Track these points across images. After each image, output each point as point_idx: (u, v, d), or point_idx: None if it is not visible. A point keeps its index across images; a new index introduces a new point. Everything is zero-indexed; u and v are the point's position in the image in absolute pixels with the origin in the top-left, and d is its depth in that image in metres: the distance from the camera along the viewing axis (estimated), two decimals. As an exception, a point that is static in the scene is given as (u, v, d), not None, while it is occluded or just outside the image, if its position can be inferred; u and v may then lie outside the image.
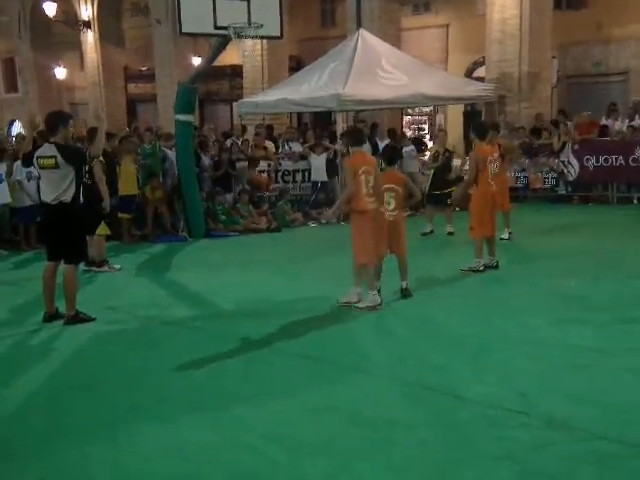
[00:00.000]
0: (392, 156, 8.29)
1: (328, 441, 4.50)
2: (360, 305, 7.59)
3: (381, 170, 8.10)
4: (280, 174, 15.60)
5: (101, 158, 9.55)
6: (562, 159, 16.01)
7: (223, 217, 13.78)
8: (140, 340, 6.89)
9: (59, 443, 4.66)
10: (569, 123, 16.30)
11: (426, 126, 23.33)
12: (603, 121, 16.59)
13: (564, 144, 15.98)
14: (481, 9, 19.22)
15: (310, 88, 15.69)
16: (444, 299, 8.02)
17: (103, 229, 9.96)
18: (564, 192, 16.24)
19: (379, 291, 7.87)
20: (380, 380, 5.55)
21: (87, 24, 27.65)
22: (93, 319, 7.47)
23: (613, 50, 19.87)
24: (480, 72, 20.69)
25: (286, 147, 16.43)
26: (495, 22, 18.20)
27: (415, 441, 4.43)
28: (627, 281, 8.44)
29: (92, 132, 9.98)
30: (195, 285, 9.21)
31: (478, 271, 9.12)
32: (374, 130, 16.86)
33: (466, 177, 9.64)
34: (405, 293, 8.05)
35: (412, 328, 7.01)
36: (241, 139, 16.62)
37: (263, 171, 15.32)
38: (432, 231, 12.44)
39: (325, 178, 15.33)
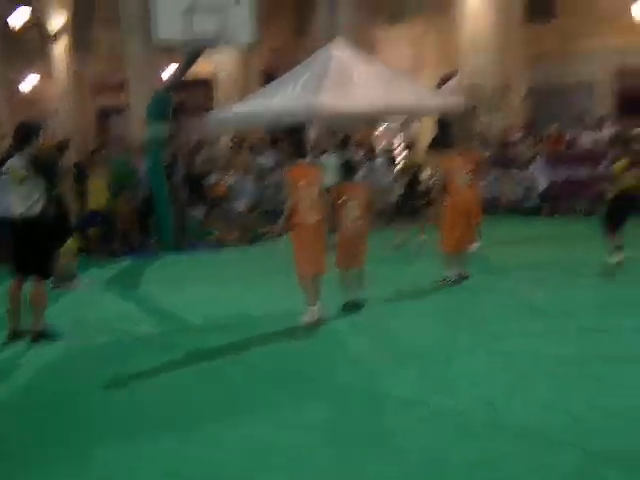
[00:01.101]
0: (350, 169, 8.31)
1: (306, 457, 4.48)
2: (304, 320, 7.45)
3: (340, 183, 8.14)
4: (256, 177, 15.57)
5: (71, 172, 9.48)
6: (532, 171, 16.17)
7: (194, 230, 13.72)
8: (109, 356, 6.83)
9: (20, 468, 4.58)
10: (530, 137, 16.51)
11: (399, 137, 23.41)
12: (571, 134, 16.78)
13: (534, 155, 16.14)
14: (453, 21, 19.39)
15: (283, 99, 15.69)
16: (413, 310, 8.06)
17: (72, 243, 9.87)
18: (533, 204, 16.38)
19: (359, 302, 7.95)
20: (351, 394, 5.54)
21: (57, 34, 27.47)
22: (62, 334, 7.38)
23: (581, 62, 20.12)
24: (453, 83, 20.82)
25: (259, 159, 16.42)
26: (466, 35, 18.41)
27: (387, 454, 4.43)
28: (593, 290, 8.56)
29: (63, 144, 9.93)
30: (165, 300, 9.16)
31: (448, 282, 9.16)
32: (347, 142, 16.90)
33: (435, 191, 9.70)
34: (357, 304, 8.00)
35: (381, 339, 7.02)
36: (215, 151, 16.59)
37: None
38: (404, 243, 12.48)
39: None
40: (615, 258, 9.96)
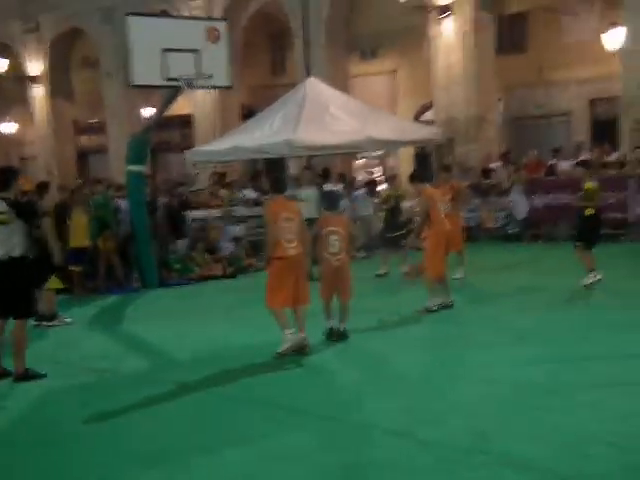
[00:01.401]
0: (333, 200, 8.38)
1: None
2: (280, 351, 7.40)
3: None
4: (235, 220, 15.59)
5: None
6: (511, 199, 16.32)
7: (177, 266, 13.69)
8: (94, 396, 6.73)
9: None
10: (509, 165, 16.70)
11: (378, 169, 23.60)
12: (550, 161, 17.00)
13: (513, 183, 16.31)
14: (427, 55, 19.68)
15: (262, 135, 15.77)
16: (398, 340, 8.04)
17: (55, 283, 9.79)
18: (515, 230, 16.52)
19: (343, 332, 7.95)
20: (337, 425, 5.50)
21: (36, 79, 27.59)
22: (44, 375, 7.29)
23: (555, 92, 20.45)
24: (429, 115, 21.10)
25: (240, 194, 16.47)
26: (440, 68, 18.68)
27: (375, 486, 4.40)
28: (578, 316, 8.58)
29: (42, 186, 9.92)
30: (149, 336, 9.09)
31: (433, 311, 9.18)
32: (326, 175, 17.01)
33: (417, 222, 9.75)
34: (342, 335, 7.99)
35: (366, 370, 7.01)
36: (195, 188, 16.63)
37: (218, 218, 15.32)
38: (387, 273, 12.53)
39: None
40: (589, 279, 10.09)
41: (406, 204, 12.97)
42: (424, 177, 9.59)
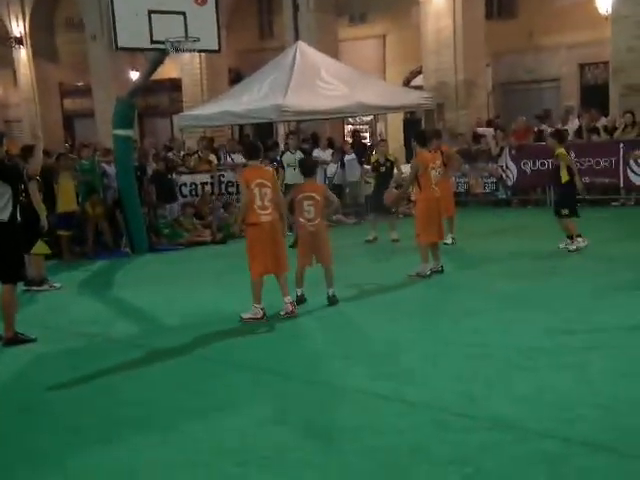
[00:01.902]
0: (308, 167, 8.36)
1: (279, 453, 4.46)
2: (244, 316, 7.56)
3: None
4: (224, 185, 15.51)
5: (37, 177, 9.36)
6: (500, 164, 16.32)
7: (166, 231, 13.64)
8: (84, 360, 6.72)
9: (2, 469, 4.52)
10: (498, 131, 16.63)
11: (367, 134, 23.52)
12: (541, 126, 16.95)
13: (502, 149, 16.30)
14: (416, 20, 19.52)
15: (250, 100, 15.69)
16: (389, 305, 8.07)
17: (42, 248, 9.71)
18: (504, 196, 16.56)
19: (303, 299, 8.04)
20: (328, 389, 5.53)
21: (19, 40, 27.17)
22: (34, 339, 7.28)
23: (544, 58, 20.37)
24: (418, 81, 21.00)
25: (228, 159, 16.37)
26: (430, 32, 18.54)
27: (366, 449, 4.42)
28: (564, 282, 8.62)
29: (27, 150, 9.80)
30: (138, 301, 9.08)
31: (425, 276, 9.19)
32: (315, 141, 16.94)
33: (405, 181, 9.75)
34: (331, 301, 8.06)
35: (356, 335, 7.03)
36: (182, 152, 16.49)
37: (206, 183, 15.22)
38: (376, 238, 12.53)
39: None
40: (574, 245, 10.20)
41: (396, 169, 12.89)
42: (424, 140, 9.54)
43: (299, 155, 13.44)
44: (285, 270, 7.69)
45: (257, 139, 18.60)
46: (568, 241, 10.44)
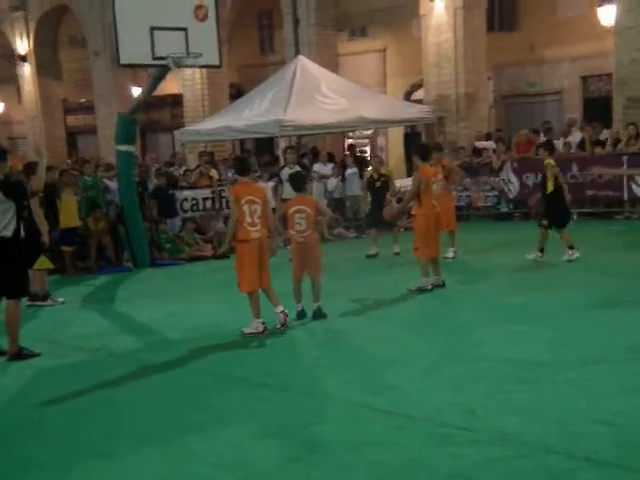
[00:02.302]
0: (297, 182, 8.41)
1: (280, 467, 4.46)
2: (245, 330, 7.62)
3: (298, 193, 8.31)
4: (224, 200, 15.53)
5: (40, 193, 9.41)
6: (502, 177, 16.34)
7: (168, 245, 13.67)
8: (87, 374, 6.73)
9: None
10: (499, 144, 16.65)
11: (367, 148, 23.59)
12: (541, 139, 16.98)
13: (503, 162, 16.32)
14: (417, 33, 19.60)
15: (251, 115, 15.76)
16: (387, 319, 8.07)
17: (45, 263, 9.74)
18: (506, 210, 16.56)
19: (303, 312, 8.06)
20: (330, 403, 5.53)
21: (23, 58, 27.35)
22: (38, 354, 7.30)
23: (546, 70, 20.43)
24: (419, 94, 21.04)
25: (229, 174, 16.40)
26: (431, 46, 18.59)
27: (367, 462, 4.42)
28: (567, 295, 8.59)
29: (30, 166, 9.86)
30: (141, 315, 9.10)
31: (425, 290, 9.19)
32: (315, 155, 17.00)
33: (405, 196, 9.76)
34: (316, 315, 8.08)
35: (356, 349, 7.02)
36: (184, 168, 16.55)
37: (207, 198, 15.24)
38: (377, 253, 12.51)
39: (273, 204, 15.14)
40: (565, 256, 10.45)
41: (396, 183, 12.92)
42: (425, 155, 9.55)
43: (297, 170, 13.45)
44: (268, 286, 7.73)
45: (255, 155, 18.74)
46: (569, 252, 10.52)
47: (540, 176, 10.96)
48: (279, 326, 7.64)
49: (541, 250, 10.67)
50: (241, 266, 7.62)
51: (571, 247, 10.55)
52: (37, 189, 8.75)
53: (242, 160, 8.73)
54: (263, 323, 7.61)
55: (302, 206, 8.01)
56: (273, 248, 7.91)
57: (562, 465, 4.23)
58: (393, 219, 11.10)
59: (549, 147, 11.24)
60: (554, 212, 10.60)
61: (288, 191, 13.11)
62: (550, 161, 10.60)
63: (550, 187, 10.51)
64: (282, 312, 7.66)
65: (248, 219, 7.53)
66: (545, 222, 10.59)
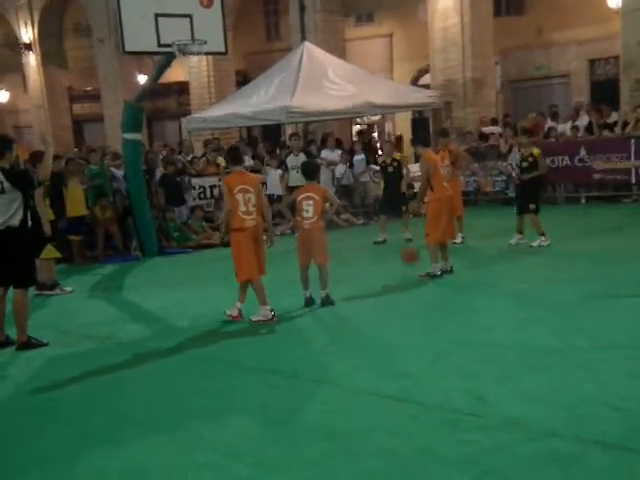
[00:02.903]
0: (309, 171, 8.39)
1: (290, 455, 4.45)
2: (253, 318, 7.65)
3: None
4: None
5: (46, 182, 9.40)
6: (510, 162, 16.24)
7: (176, 234, 13.66)
8: (94, 363, 6.73)
9: (15, 471, 4.54)
10: (507, 129, 16.54)
11: (375, 134, 23.51)
12: (548, 123, 16.90)
13: (511, 147, 16.21)
14: (423, 18, 19.47)
15: (258, 101, 15.71)
16: (399, 305, 8.04)
17: (52, 252, 9.74)
18: (514, 194, 16.44)
19: (312, 299, 8.07)
20: (339, 390, 5.52)
21: (28, 46, 27.32)
22: (46, 344, 7.31)
23: (554, 54, 20.31)
24: (426, 79, 20.96)
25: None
26: (437, 30, 18.48)
27: (377, 450, 4.41)
28: (577, 281, 8.55)
29: (36, 155, 9.85)
30: (149, 304, 9.10)
31: (435, 276, 9.16)
32: (324, 141, 16.93)
33: (419, 186, 9.70)
34: (324, 302, 8.09)
35: (365, 335, 7.00)
36: (191, 155, 16.52)
37: (214, 186, 15.22)
38: (385, 240, 12.48)
39: (280, 191, 15.13)
40: (537, 241, 10.74)
41: (406, 169, 12.86)
42: (425, 141, 9.53)
43: (302, 157, 13.42)
44: (263, 273, 7.79)
45: (263, 142, 18.68)
46: (542, 238, 10.83)
47: (522, 162, 11.06)
48: (260, 318, 7.61)
49: (543, 234, 10.82)
50: (238, 255, 7.67)
51: (542, 234, 10.82)
52: (44, 178, 8.75)
53: (234, 150, 8.74)
54: (272, 310, 7.62)
55: (311, 193, 8.02)
56: (271, 238, 7.94)
57: (570, 449, 4.23)
58: (417, 212, 11.22)
59: (530, 132, 11.52)
60: (538, 197, 10.96)
61: (294, 179, 13.11)
62: (538, 151, 10.90)
63: (538, 174, 10.82)
64: (271, 310, 7.66)
65: (242, 208, 7.57)
66: (533, 206, 10.80)
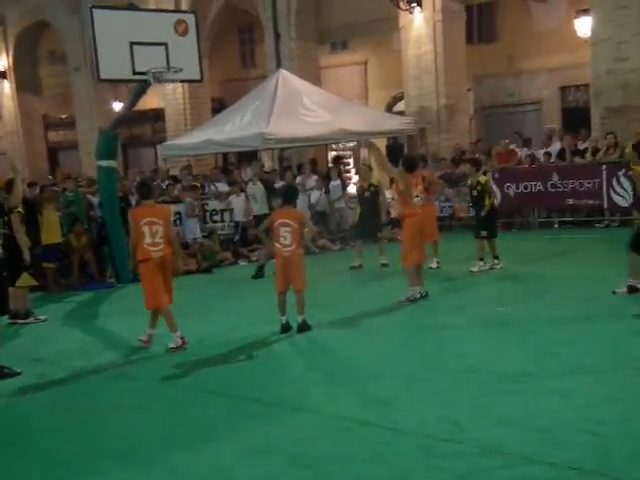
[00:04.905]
0: (287, 194, 8.47)
1: (266, 483, 4.43)
2: (170, 346, 7.75)
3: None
4: (208, 214, 15.51)
5: (19, 209, 9.35)
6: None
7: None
8: (67, 392, 6.68)
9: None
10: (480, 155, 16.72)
11: (351, 160, 23.64)
12: (521, 149, 17.07)
13: (484, 173, 16.35)
14: (397, 46, 19.71)
15: (233, 128, 15.74)
16: (373, 330, 8.06)
17: (27, 280, 9.66)
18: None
19: (288, 325, 8.07)
20: (314, 417, 5.51)
21: (3, 74, 27.24)
22: (19, 373, 7.22)
23: (525, 81, 20.62)
24: (401, 106, 21.16)
25: (212, 187, 16.39)
26: (411, 58, 18.72)
27: (354, 477, 4.40)
28: (550, 305, 8.62)
29: (10, 183, 9.80)
30: (124, 332, 9.02)
31: (415, 299, 9.19)
32: (300, 168, 17.00)
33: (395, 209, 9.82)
34: (301, 328, 8.08)
35: (340, 362, 7.00)
36: (166, 182, 16.50)
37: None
38: (361, 265, 12.51)
39: (243, 218, 15.03)
40: (476, 266, 11.04)
41: (381, 195, 12.91)
42: (411, 166, 9.67)
43: (260, 186, 13.23)
44: (171, 302, 7.95)
45: (238, 168, 18.66)
46: (495, 261, 11.23)
47: (472, 190, 11.42)
48: (173, 346, 7.72)
49: (482, 259, 11.15)
50: (146, 284, 7.85)
51: (496, 257, 11.20)
52: (14, 206, 8.73)
53: (144, 185, 8.96)
54: (182, 337, 7.77)
55: (288, 220, 8.03)
56: (178, 266, 8.30)
57: (546, 474, 4.24)
58: (393, 237, 11.39)
59: (476, 163, 11.84)
60: (492, 223, 11.27)
61: (257, 207, 13.05)
62: (486, 178, 11.44)
63: (487, 201, 11.11)
64: (181, 337, 7.78)
65: (148, 239, 7.75)
66: (485, 233, 11.12)
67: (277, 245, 8.08)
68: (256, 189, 13.19)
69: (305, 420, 5.47)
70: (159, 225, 7.78)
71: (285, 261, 8.03)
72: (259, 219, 11.99)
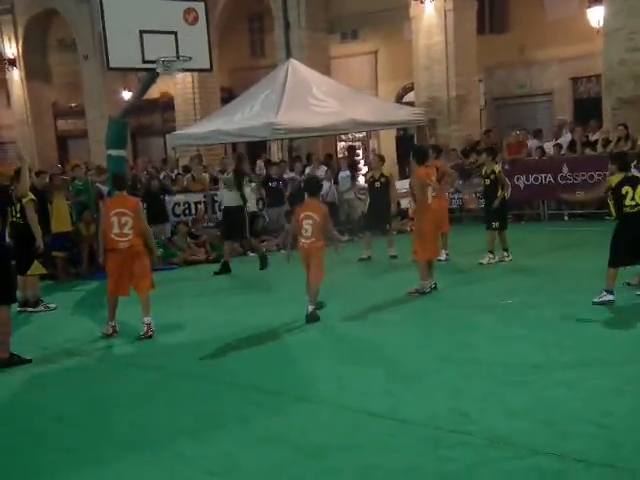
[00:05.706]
0: (311, 187, 8.60)
1: (273, 474, 4.43)
2: (103, 331, 8.10)
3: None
4: (217, 205, 15.50)
5: (32, 197, 9.36)
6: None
7: (160, 250, 13.58)
8: (77, 380, 6.71)
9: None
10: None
11: (360, 151, 23.59)
12: (532, 140, 17.00)
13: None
14: (408, 36, 19.61)
15: (243, 118, 15.71)
16: (383, 323, 8.05)
17: (38, 268, 9.71)
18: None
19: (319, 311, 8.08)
20: (323, 407, 5.51)
21: (12, 62, 27.25)
22: (29, 361, 7.24)
23: (536, 72, 20.48)
24: (410, 97, 21.07)
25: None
26: (421, 48, 18.62)
27: (362, 468, 4.40)
28: (558, 298, 8.57)
29: (16, 172, 9.82)
30: (133, 321, 8.98)
31: (424, 293, 9.17)
32: (310, 159, 16.97)
33: (415, 203, 9.79)
34: (309, 317, 8.10)
35: (353, 353, 7.00)
36: (175, 172, 16.50)
37: (199, 202, 15.21)
38: (370, 257, 12.47)
39: (255, 208, 15.04)
40: (492, 259, 11.02)
41: (392, 186, 12.85)
42: (422, 157, 9.58)
43: (231, 177, 12.84)
44: (146, 289, 8.04)
45: (248, 158, 18.60)
46: (504, 253, 11.14)
47: (485, 180, 11.37)
48: (142, 335, 7.88)
49: (491, 252, 11.10)
50: (109, 272, 8.05)
51: (506, 249, 11.16)
52: (22, 194, 8.75)
53: (117, 177, 9.05)
54: (113, 326, 8.07)
55: (311, 212, 8.15)
56: (156, 255, 8.61)
57: (553, 466, 4.24)
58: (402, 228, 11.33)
59: (493, 152, 11.78)
60: (503, 215, 11.21)
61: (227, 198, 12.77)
62: (499, 169, 11.40)
63: (500, 192, 11.06)
64: (148, 324, 7.91)
65: (116, 230, 7.93)
66: (496, 224, 11.05)
67: (299, 237, 8.22)
68: (228, 179, 12.80)
69: (312, 410, 5.48)
70: (128, 216, 7.92)
71: (304, 252, 8.18)
72: (227, 211, 12.44)
